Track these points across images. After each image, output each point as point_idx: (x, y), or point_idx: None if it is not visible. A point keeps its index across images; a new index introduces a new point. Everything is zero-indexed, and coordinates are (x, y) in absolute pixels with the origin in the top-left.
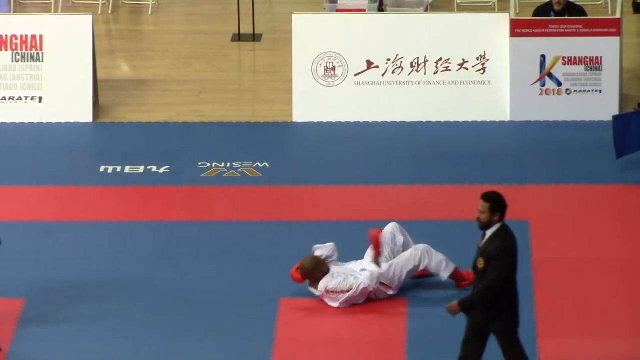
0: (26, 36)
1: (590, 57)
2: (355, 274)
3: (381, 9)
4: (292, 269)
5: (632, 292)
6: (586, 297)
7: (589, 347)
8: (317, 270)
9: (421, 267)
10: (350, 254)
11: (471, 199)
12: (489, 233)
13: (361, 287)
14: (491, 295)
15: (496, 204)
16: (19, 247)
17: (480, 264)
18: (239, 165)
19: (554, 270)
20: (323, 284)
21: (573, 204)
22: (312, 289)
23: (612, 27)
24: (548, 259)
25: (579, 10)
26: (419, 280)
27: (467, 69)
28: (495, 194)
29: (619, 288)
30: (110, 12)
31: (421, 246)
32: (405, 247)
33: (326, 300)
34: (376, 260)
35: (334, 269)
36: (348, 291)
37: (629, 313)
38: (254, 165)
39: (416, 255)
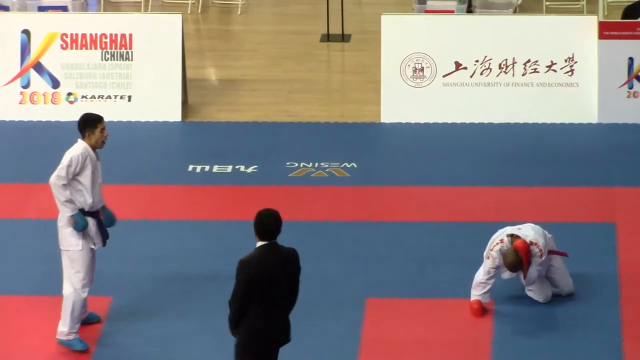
0: (116, 35)
1: None
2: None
3: (470, 10)
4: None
5: None
6: None
7: None
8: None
9: None
10: (437, 254)
11: (559, 201)
12: None
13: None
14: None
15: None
16: (106, 244)
17: None
18: (327, 166)
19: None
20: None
21: None
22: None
23: None
24: (635, 261)
25: None
26: (506, 281)
27: (555, 70)
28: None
29: None
30: (199, 11)
31: None
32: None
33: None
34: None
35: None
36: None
37: None
38: (342, 166)
39: None
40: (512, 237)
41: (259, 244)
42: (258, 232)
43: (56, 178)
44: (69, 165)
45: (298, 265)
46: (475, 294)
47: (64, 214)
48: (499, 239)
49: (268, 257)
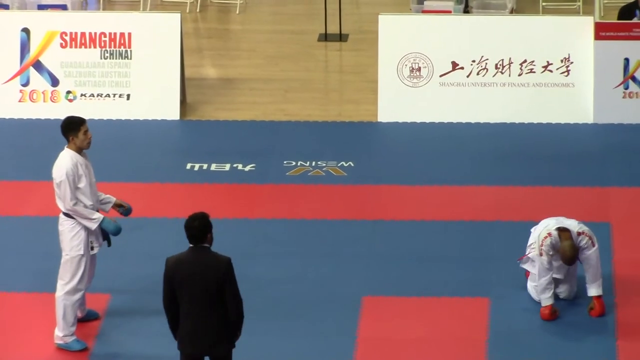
0: (115, 34)
1: None
2: None
3: (466, 10)
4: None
5: None
6: None
7: None
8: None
9: None
10: (433, 253)
11: (554, 201)
12: None
13: None
14: None
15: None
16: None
17: None
18: (324, 164)
19: (635, 271)
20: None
21: None
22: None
23: None
24: (629, 261)
25: None
26: (501, 280)
27: (551, 71)
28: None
29: None
30: (198, 10)
31: None
32: None
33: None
34: None
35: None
36: None
37: None
38: (339, 165)
39: None
40: (559, 229)
41: (190, 246)
42: (186, 235)
43: (70, 202)
44: (68, 185)
45: (223, 275)
46: (546, 297)
47: (93, 226)
48: (546, 232)
49: (188, 260)
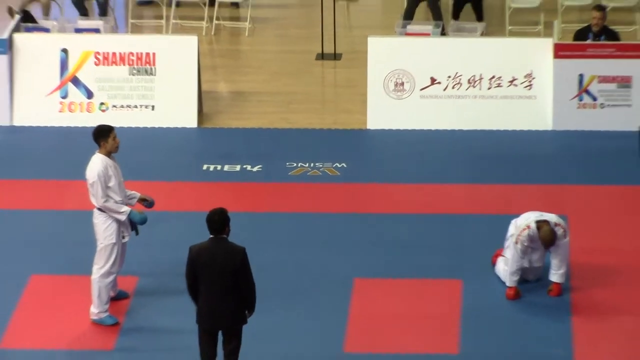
0: (141, 53)
1: (621, 76)
2: None
3: (443, 33)
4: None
5: None
6: (613, 277)
7: (618, 322)
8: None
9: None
10: (415, 241)
11: (518, 197)
12: None
13: None
14: None
15: None
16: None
17: None
18: (321, 165)
19: (588, 258)
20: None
21: (605, 201)
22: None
23: None
24: (583, 248)
25: (614, 35)
26: (472, 265)
27: (516, 85)
28: None
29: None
30: (212, 33)
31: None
32: None
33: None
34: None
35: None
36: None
37: None
38: (334, 166)
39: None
40: (538, 222)
41: (210, 236)
42: (207, 227)
43: (102, 199)
44: (100, 185)
45: (239, 262)
46: (513, 279)
47: (122, 218)
48: (525, 225)
49: (209, 249)
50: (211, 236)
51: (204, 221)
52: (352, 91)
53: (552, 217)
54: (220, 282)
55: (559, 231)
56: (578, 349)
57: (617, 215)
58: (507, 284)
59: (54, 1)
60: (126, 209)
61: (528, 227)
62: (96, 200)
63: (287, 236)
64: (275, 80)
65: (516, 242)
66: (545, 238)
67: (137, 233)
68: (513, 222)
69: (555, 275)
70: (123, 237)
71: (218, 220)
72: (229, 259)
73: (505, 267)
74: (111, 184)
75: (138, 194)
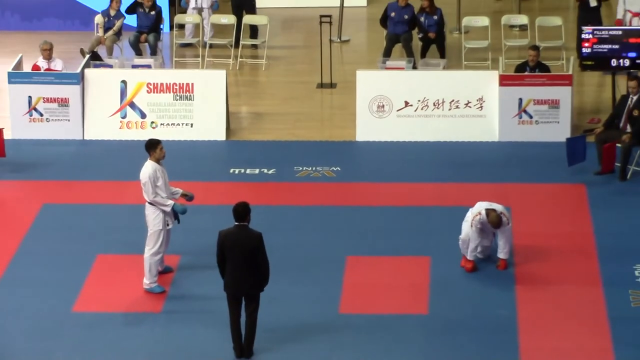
0: (182, 83)
1: (552, 99)
2: None
3: (414, 67)
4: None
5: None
6: (547, 255)
7: (551, 289)
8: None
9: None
10: (395, 226)
11: (472, 192)
12: None
13: None
14: None
15: None
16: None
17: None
18: (321, 169)
19: (528, 240)
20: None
21: (540, 196)
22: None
23: (566, 80)
24: (524, 232)
25: (546, 68)
26: (438, 245)
27: (470, 107)
28: None
29: (570, 251)
30: (237, 68)
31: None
32: None
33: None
34: None
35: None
36: None
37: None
38: (331, 169)
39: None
40: (487, 210)
41: (235, 223)
42: (233, 216)
43: (152, 195)
44: (151, 184)
45: (257, 244)
46: (473, 254)
47: (167, 209)
48: (477, 212)
49: (234, 233)
50: (236, 223)
51: (231, 212)
52: (344, 112)
53: (498, 207)
54: (242, 259)
55: (504, 218)
56: (521, 310)
57: (549, 207)
58: (468, 257)
59: (115, 44)
60: (170, 202)
61: (479, 213)
62: (147, 196)
63: (294, 224)
64: (285, 104)
65: (471, 226)
66: (493, 221)
67: (179, 222)
68: (470, 210)
69: (502, 253)
70: (168, 225)
71: (241, 211)
72: (249, 241)
73: (465, 246)
74: (159, 183)
75: (181, 190)
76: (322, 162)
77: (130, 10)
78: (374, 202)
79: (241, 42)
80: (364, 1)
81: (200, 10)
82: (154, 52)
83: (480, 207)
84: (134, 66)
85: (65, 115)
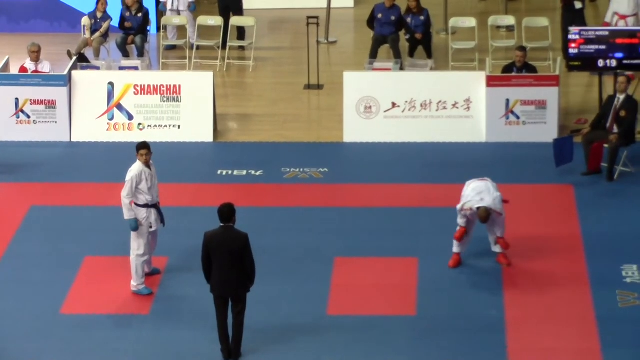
0: (170, 85)
1: (539, 100)
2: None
3: (402, 68)
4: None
5: (563, 252)
6: (534, 253)
7: (539, 289)
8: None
9: None
10: (382, 227)
11: (459, 191)
12: None
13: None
14: None
15: None
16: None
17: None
18: (308, 170)
19: (515, 239)
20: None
21: (527, 195)
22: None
23: (553, 81)
24: (512, 233)
25: (533, 69)
26: (426, 245)
27: (457, 107)
28: None
29: (558, 252)
30: (225, 69)
31: None
32: None
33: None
34: None
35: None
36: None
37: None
38: (318, 170)
39: None
40: (478, 207)
41: (220, 225)
42: (218, 217)
43: (126, 194)
44: (131, 185)
45: (243, 245)
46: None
47: (124, 216)
48: (469, 206)
49: (219, 234)
50: (221, 224)
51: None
52: (331, 113)
53: (489, 203)
54: (228, 260)
55: (493, 214)
56: (508, 310)
57: (537, 208)
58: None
59: (102, 46)
60: (130, 215)
61: (471, 208)
62: (121, 193)
63: (282, 225)
64: (272, 105)
65: (461, 210)
66: (480, 216)
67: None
68: (467, 183)
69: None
70: (151, 227)
71: (227, 212)
72: (235, 242)
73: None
74: (140, 186)
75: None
76: (310, 163)
77: (121, 25)
78: (361, 203)
79: (228, 44)
80: (351, 2)
81: (178, 13)
82: (141, 53)
83: (472, 202)
84: (121, 68)
85: (52, 117)
